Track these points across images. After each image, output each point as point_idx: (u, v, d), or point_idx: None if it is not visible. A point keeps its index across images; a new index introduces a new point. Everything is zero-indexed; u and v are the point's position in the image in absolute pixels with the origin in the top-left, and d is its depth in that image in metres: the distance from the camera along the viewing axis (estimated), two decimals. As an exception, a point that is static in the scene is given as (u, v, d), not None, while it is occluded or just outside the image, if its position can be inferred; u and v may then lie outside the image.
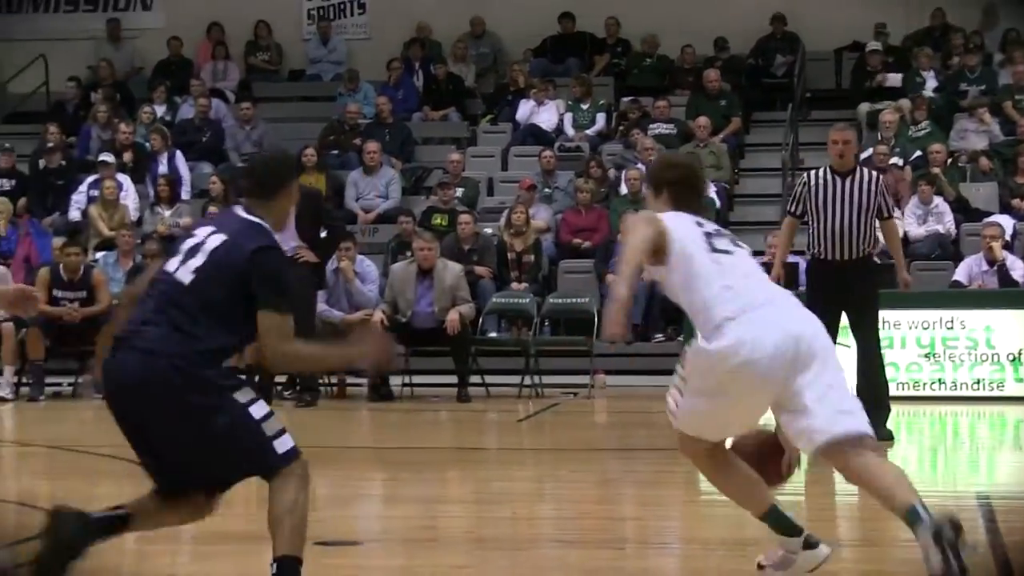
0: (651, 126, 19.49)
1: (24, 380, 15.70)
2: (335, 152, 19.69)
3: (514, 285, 16.75)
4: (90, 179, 18.39)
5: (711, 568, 6.67)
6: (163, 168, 18.82)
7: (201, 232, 5.63)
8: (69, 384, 16.16)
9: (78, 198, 18.37)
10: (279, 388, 15.05)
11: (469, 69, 21.77)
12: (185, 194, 18.62)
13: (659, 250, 5.74)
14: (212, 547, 7.22)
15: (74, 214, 18.31)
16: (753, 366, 5.59)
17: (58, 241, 16.88)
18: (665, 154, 6.59)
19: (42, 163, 19.28)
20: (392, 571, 6.97)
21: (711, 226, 6.00)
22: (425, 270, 15.30)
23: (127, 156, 19.01)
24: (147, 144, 19.40)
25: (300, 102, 21.97)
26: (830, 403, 5.63)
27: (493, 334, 16.51)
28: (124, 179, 18.35)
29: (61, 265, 15.85)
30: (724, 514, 8.26)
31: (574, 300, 16.33)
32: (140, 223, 17.99)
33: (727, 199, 18.69)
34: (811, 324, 5.78)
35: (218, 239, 5.54)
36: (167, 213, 17.93)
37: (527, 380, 15.79)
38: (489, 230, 17.56)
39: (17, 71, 22.23)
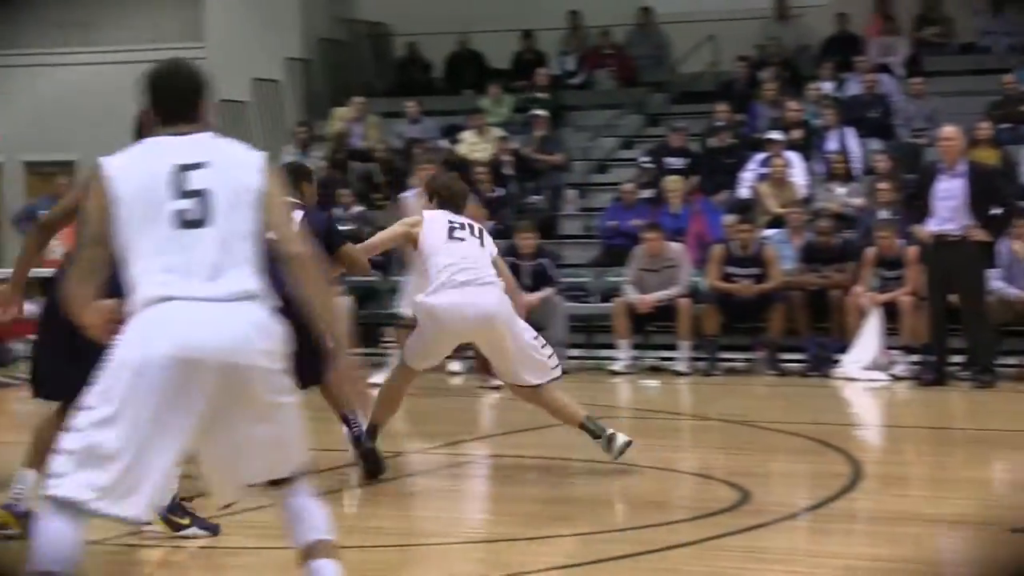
0: None
1: (699, 355, 16.05)
2: (1008, 126, 19.00)
3: None
4: (759, 157, 18.51)
5: None
6: (833, 144, 18.73)
7: None
8: (743, 360, 16.38)
9: (747, 176, 18.54)
10: (957, 368, 14.63)
11: None
12: (855, 171, 18.46)
13: (412, 241, 8.90)
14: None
15: (744, 192, 18.50)
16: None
17: (730, 218, 17.10)
18: (436, 173, 10.98)
19: (712, 142, 19.61)
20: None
21: (459, 220, 8.97)
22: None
23: (795, 133, 19.01)
24: (815, 121, 19.37)
25: (971, 75, 21.32)
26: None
27: None
28: (793, 156, 18.36)
29: (733, 242, 16.09)
30: None
31: None
32: (810, 200, 17.98)
33: None
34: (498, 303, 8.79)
35: None
36: (840, 190, 17.81)
37: None
38: None
39: (687, 52, 22.72)
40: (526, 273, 15.69)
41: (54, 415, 6.89)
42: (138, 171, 4.70)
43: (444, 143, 20.88)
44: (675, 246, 16.46)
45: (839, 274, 15.87)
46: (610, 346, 16.45)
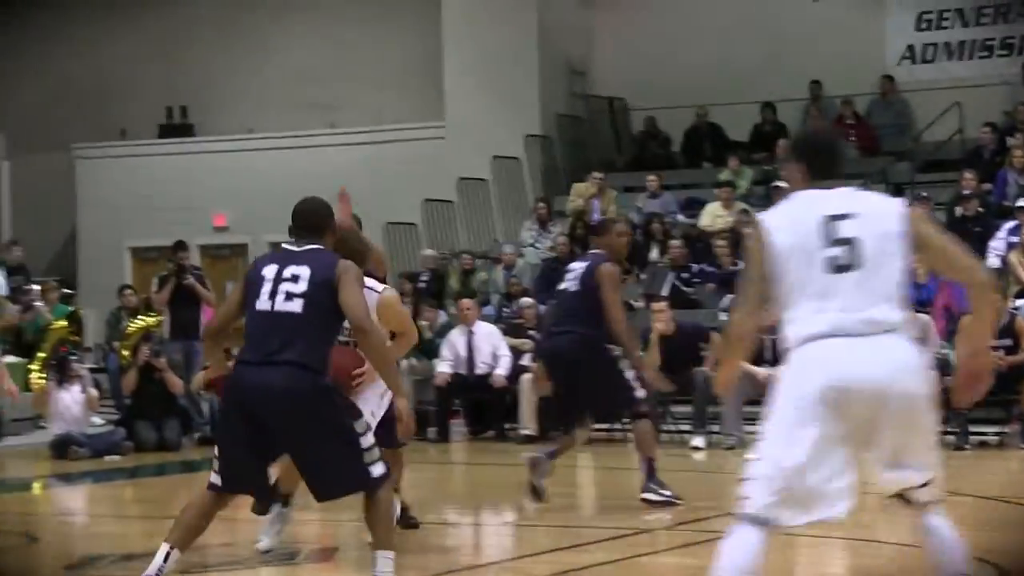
0: None
1: (949, 429, 15.63)
2: None
3: None
4: (1008, 225, 18.10)
5: None
6: None
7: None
8: (995, 433, 15.92)
9: (996, 244, 18.12)
10: None
11: None
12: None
13: None
14: None
15: (993, 261, 18.05)
16: None
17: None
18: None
19: (959, 211, 19.20)
20: None
21: None
22: None
23: (1046, 201, 18.56)
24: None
25: None
26: None
27: None
28: (1044, 223, 17.91)
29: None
30: None
31: None
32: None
33: None
34: None
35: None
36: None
37: None
38: None
39: (932, 120, 22.34)
40: (768, 347, 15.45)
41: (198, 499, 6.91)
42: (792, 222, 5.44)
43: (682, 217, 20.81)
44: (922, 318, 16.06)
45: (1094, 345, 15.35)
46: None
